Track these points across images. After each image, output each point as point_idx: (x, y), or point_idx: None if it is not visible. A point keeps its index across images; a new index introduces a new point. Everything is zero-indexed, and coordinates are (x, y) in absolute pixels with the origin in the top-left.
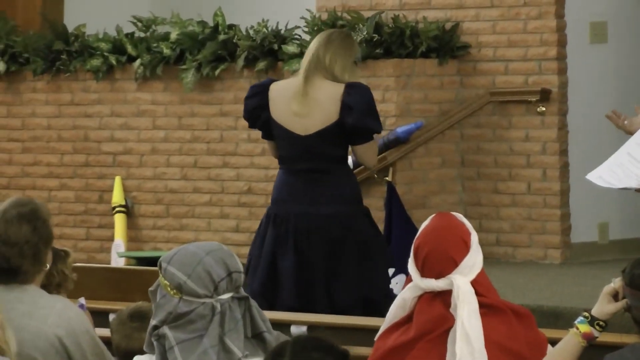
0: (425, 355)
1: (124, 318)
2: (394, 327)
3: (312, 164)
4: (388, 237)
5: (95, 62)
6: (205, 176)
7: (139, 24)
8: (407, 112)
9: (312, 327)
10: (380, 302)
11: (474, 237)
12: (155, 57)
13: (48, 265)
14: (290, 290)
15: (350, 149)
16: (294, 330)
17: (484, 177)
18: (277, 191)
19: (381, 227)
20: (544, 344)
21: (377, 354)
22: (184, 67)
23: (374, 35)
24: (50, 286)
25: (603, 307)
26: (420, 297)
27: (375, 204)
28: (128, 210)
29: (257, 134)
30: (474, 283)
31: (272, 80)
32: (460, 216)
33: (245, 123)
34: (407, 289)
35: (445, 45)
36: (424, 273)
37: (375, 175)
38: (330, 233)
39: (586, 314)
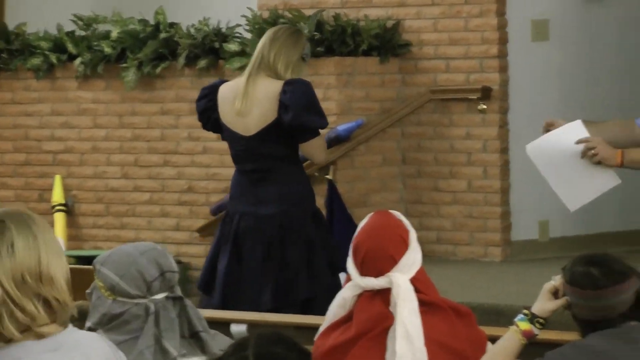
0: (366, 353)
1: None
2: (334, 326)
3: (256, 164)
4: None
5: (36, 60)
6: (146, 175)
7: (80, 23)
8: (349, 110)
9: (252, 325)
10: (321, 302)
11: (413, 235)
12: (96, 56)
13: None
14: (219, 292)
15: None
16: (234, 328)
17: (425, 175)
18: (231, 190)
19: None
20: (484, 341)
21: (318, 352)
22: (125, 65)
23: (316, 33)
24: None
25: (543, 304)
26: (360, 295)
27: (316, 202)
28: (68, 209)
29: (198, 133)
30: (413, 281)
31: (223, 82)
32: (398, 214)
33: (186, 121)
34: (347, 288)
35: (386, 43)
36: (363, 271)
37: (316, 174)
38: (266, 233)
39: (526, 311)
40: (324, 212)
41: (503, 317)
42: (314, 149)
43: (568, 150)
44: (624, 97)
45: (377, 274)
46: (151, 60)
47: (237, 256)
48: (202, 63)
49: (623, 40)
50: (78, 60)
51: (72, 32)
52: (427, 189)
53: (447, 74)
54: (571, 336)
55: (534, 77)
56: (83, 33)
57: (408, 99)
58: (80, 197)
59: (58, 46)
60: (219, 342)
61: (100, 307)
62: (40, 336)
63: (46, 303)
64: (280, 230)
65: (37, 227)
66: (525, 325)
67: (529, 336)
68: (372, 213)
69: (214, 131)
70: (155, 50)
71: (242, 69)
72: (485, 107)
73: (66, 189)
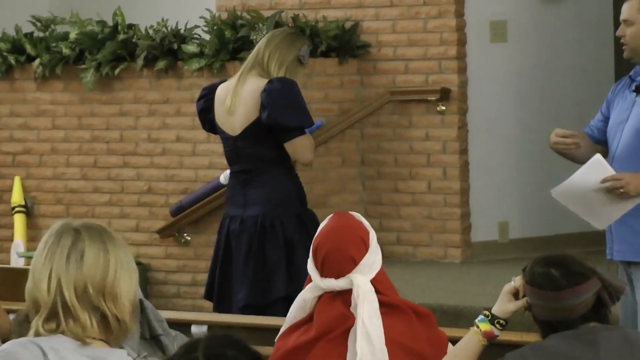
0: (326, 354)
1: (22, 319)
2: (295, 327)
3: (243, 165)
4: None
5: None
6: (105, 176)
7: (38, 24)
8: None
9: (212, 326)
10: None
11: (373, 236)
12: (54, 57)
13: None
14: (214, 297)
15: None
16: (194, 329)
17: (385, 176)
18: (226, 192)
19: None
20: (444, 342)
21: (278, 353)
22: (83, 66)
23: None
24: None
25: (503, 305)
26: (320, 297)
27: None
28: (28, 210)
29: (157, 134)
30: (374, 282)
31: (223, 82)
32: (358, 215)
33: (144, 122)
34: (307, 289)
35: (345, 44)
36: (323, 273)
37: None
38: (250, 234)
39: (487, 312)
40: None
41: (463, 318)
42: (297, 149)
43: (593, 188)
44: (582, 97)
45: (338, 275)
46: (110, 62)
47: (228, 260)
48: (161, 64)
49: (580, 40)
50: (36, 62)
51: (31, 34)
52: (387, 190)
53: (406, 75)
54: (531, 337)
55: (492, 78)
56: (41, 34)
57: (367, 100)
58: (39, 199)
59: (16, 47)
60: (179, 343)
61: None
62: (84, 343)
63: (104, 319)
64: (262, 230)
65: (112, 245)
66: (485, 326)
67: (489, 337)
68: (332, 214)
69: (212, 132)
70: (114, 52)
71: (200, 70)
72: (444, 108)
73: (25, 191)
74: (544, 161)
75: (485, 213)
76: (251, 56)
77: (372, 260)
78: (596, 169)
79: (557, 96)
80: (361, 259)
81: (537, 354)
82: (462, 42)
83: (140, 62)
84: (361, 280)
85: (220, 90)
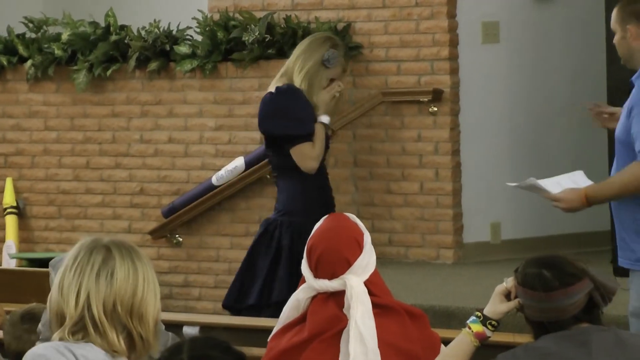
0: (319, 355)
1: (16, 319)
2: (287, 328)
3: (272, 171)
4: None
5: None
6: (98, 177)
7: (31, 25)
8: None
9: (204, 327)
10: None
11: (367, 238)
12: (46, 58)
13: None
14: None
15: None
16: (187, 330)
17: (377, 177)
18: None
19: None
20: (437, 343)
21: (271, 354)
22: (75, 67)
23: (266, 35)
24: None
25: (495, 306)
26: (313, 297)
27: (268, 205)
28: (20, 212)
29: (149, 135)
30: (367, 283)
31: None
32: (353, 216)
33: (137, 123)
34: (301, 290)
35: None
36: (317, 274)
37: (268, 176)
38: (255, 237)
39: (479, 313)
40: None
41: (455, 319)
42: (296, 157)
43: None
44: (574, 98)
45: (331, 276)
46: (102, 63)
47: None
48: (153, 65)
49: (572, 41)
50: (29, 63)
51: (23, 35)
52: (379, 191)
53: (398, 76)
54: (523, 338)
55: (484, 79)
56: (34, 35)
57: (359, 101)
58: (31, 200)
59: (8, 48)
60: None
61: None
62: (113, 355)
63: (129, 337)
64: (263, 235)
65: (141, 263)
66: (477, 328)
67: (481, 338)
68: (327, 215)
69: None
70: (106, 53)
71: (192, 71)
72: (436, 109)
73: (17, 192)
74: (536, 162)
75: (477, 214)
76: (285, 64)
77: (366, 262)
78: (568, 181)
79: (549, 97)
80: (355, 260)
81: (529, 355)
82: (454, 43)
83: (132, 63)
84: (355, 282)
85: None
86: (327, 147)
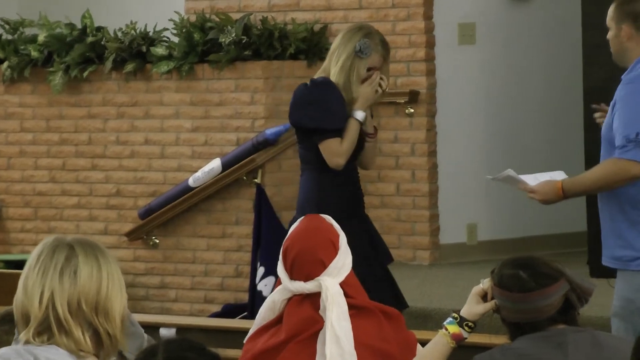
0: (295, 357)
1: None
2: (263, 329)
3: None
4: (257, 240)
5: None
6: (74, 178)
7: (7, 26)
8: (276, 114)
9: (181, 329)
10: None
11: (343, 239)
12: (23, 60)
13: None
14: None
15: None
16: (163, 332)
17: None
18: None
19: (249, 229)
20: (413, 344)
21: (247, 356)
22: (51, 69)
23: (243, 37)
24: None
25: (472, 307)
26: (289, 299)
27: (244, 206)
28: None
29: (125, 136)
30: (343, 285)
31: None
32: (329, 218)
33: (113, 125)
34: (277, 291)
35: (314, 46)
36: (293, 275)
37: (245, 177)
38: None
39: (455, 314)
40: (251, 216)
41: (431, 320)
42: (324, 152)
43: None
44: (550, 98)
45: (307, 277)
46: (78, 64)
47: None
48: (129, 67)
49: (548, 42)
50: (5, 64)
51: None
52: None
53: None
54: (500, 339)
55: (461, 80)
56: (10, 37)
57: None
58: (7, 201)
59: None
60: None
61: None
62: (78, 356)
63: (96, 334)
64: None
65: (104, 260)
66: (454, 329)
67: (458, 339)
68: (303, 217)
69: None
70: (82, 54)
71: (169, 72)
72: (412, 110)
73: None
74: (513, 163)
75: (453, 215)
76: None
77: (342, 263)
78: (547, 176)
79: (526, 97)
80: (330, 261)
81: (505, 356)
82: (430, 44)
83: (108, 64)
84: (330, 283)
85: None
86: (361, 145)
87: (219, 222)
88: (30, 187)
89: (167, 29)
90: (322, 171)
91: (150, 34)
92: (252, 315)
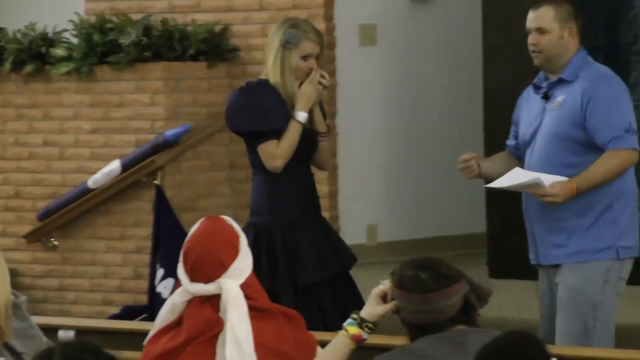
0: (195, 359)
1: None
2: (163, 331)
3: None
4: (157, 241)
5: None
6: None
7: None
8: (177, 115)
9: (80, 331)
10: None
11: (243, 240)
12: None
13: None
14: None
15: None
16: (62, 334)
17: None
18: None
19: (149, 231)
20: (313, 345)
21: (147, 358)
22: None
23: (143, 38)
24: None
25: (372, 308)
26: (190, 301)
27: (144, 208)
28: None
29: (24, 138)
30: (243, 286)
31: None
32: (229, 219)
33: (12, 126)
34: (177, 293)
35: (214, 48)
36: (193, 277)
37: (144, 179)
38: None
39: (355, 315)
40: (150, 217)
41: None
42: (261, 155)
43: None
44: (451, 100)
45: (207, 279)
46: None
47: None
48: (29, 68)
49: (449, 44)
50: None
51: None
52: None
53: None
54: (400, 340)
55: (361, 81)
56: None
57: None
58: None
59: None
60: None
61: None
62: None
63: None
64: None
65: None
66: (354, 330)
67: (358, 340)
68: (203, 218)
69: None
70: None
71: (69, 74)
72: None
73: None
74: (412, 165)
75: (353, 216)
76: None
77: (243, 265)
78: (522, 173)
79: (426, 99)
80: (231, 263)
81: (405, 357)
82: (331, 45)
83: (7, 65)
84: (230, 286)
85: None
86: (314, 145)
87: (119, 224)
88: None
89: (67, 30)
90: (271, 174)
91: (50, 35)
92: (151, 317)
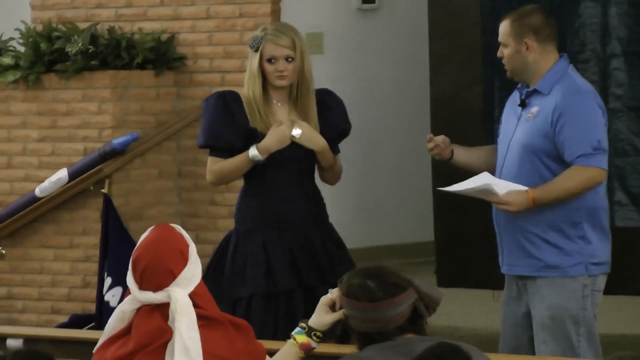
0: None
1: None
2: (113, 340)
3: None
4: (104, 250)
5: None
6: None
7: None
8: (124, 124)
9: (28, 340)
10: None
11: (192, 249)
12: None
13: None
14: None
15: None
16: (10, 343)
17: (201, 188)
18: None
19: (97, 239)
20: (262, 355)
21: None
22: None
23: (90, 46)
24: None
25: (320, 317)
26: (139, 309)
27: (92, 216)
28: None
29: None
30: (192, 295)
31: None
32: (179, 228)
33: None
34: (126, 301)
35: (161, 56)
36: (142, 285)
37: (92, 187)
38: None
39: (303, 324)
40: (98, 226)
41: None
42: None
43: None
44: (399, 108)
45: (156, 288)
46: None
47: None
48: None
49: (396, 51)
50: None
51: None
52: (204, 202)
53: (222, 87)
54: (348, 349)
55: None
56: None
57: (184, 112)
58: None
59: None
60: None
61: None
62: None
63: None
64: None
65: None
66: (302, 339)
67: (306, 349)
68: (153, 227)
69: None
70: None
71: (16, 82)
72: None
73: None
74: (360, 173)
75: None
76: None
77: (192, 274)
78: (484, 178)
79: (375, 107)
80: (180, 272)
81: None
82: None
83: None
84: (179, 294)
85: None
86: (291, 156)
87: (67, 233)
88: None
89: (14, 39)
90: (247, 183)
91: None
92: (99, 326)
